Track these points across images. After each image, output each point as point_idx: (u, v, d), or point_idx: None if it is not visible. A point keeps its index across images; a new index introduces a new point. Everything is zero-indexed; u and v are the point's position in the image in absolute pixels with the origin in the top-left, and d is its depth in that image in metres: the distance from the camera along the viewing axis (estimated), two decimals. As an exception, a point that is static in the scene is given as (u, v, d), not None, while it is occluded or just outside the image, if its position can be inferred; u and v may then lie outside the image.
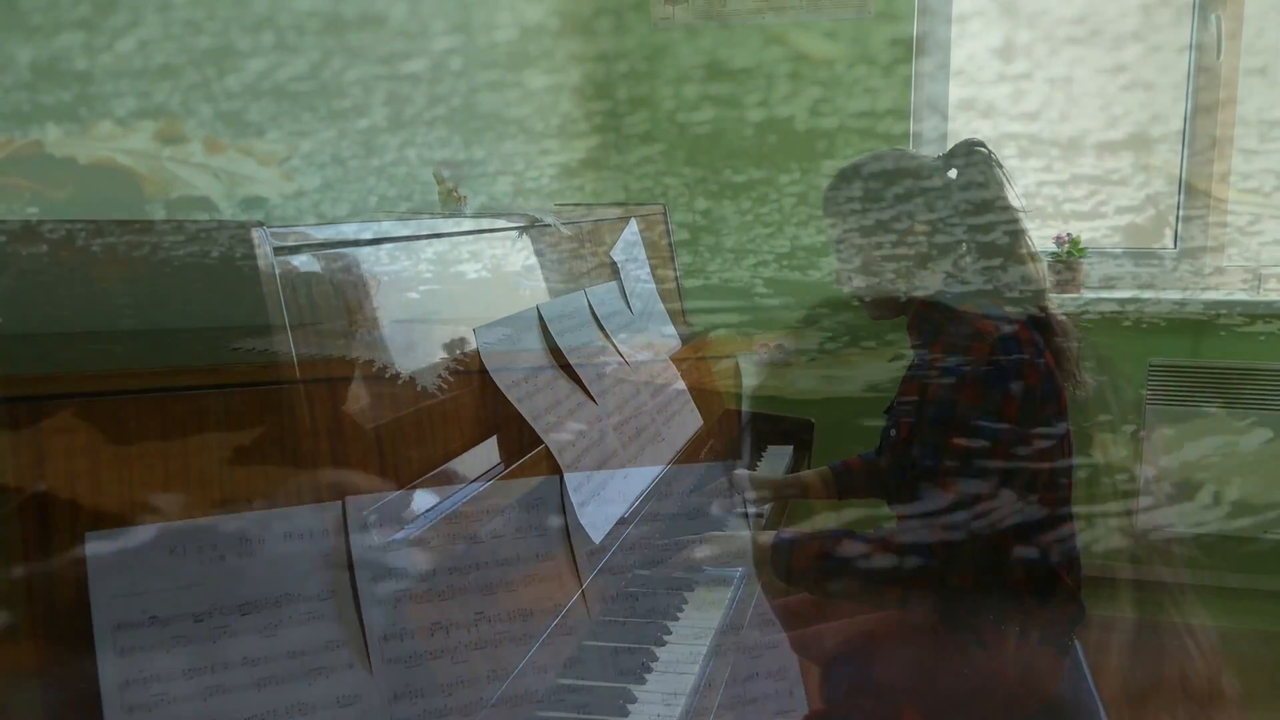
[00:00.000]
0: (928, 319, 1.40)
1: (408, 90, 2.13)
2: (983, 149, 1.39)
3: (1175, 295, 2.43)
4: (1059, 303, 2.40)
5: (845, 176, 1.44)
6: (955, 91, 2.57)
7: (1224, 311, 2.37)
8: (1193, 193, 2.46)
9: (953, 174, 1.40)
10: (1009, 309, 1.35)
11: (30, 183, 1.50)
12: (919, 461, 1.33)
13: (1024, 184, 2.53)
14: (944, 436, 1.29)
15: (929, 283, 1.40)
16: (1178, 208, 2.51)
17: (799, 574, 1.38)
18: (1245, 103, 2.36)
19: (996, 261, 1.37)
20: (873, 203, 1.40)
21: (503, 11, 2.46)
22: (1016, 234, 1.38)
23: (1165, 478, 2.40)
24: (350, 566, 0.98)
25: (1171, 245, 2.52)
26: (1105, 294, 2.49)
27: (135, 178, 1.65)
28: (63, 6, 1.53)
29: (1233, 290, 2.46)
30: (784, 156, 2.57)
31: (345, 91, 1.97)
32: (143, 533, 0.85)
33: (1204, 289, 2.47)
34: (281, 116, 1.92)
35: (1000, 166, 1.39)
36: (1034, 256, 1.39)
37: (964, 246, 1.39)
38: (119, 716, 0.82)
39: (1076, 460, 1.38)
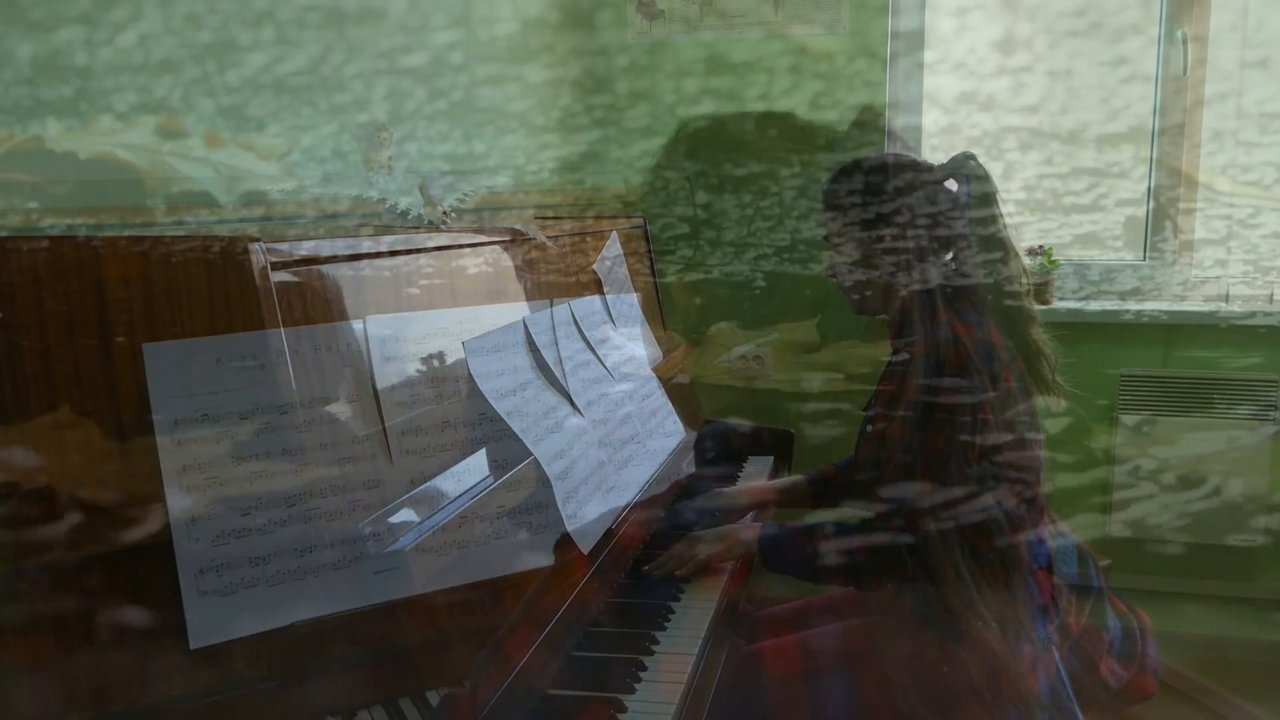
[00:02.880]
0: (909, 319, 1.43)
1: (408, 84, 2.13)
2: (976, 162, 1.44)
3: (1145, 306, 2.44)
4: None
5: (847, 171, 1.48)
6: (956, 85, 2.57)
7: (1194, 321, 2.39)
8: (1163, 199, 2.46)
9: (951, 184, 1.44)
10: (986, 315, 1.39)
11: (31, 177, 1.50)
12: (897, 457, 1.34)
13: (1024, 177, 2.53)
14: (923, 434, 1.31)
15: (916, 284, 1.44)
16: (1147, 217, 2.52)
17: (790, 565, 1.45)
18: (1246, 95, 2.36)
19: (984, 268, 1.42)
20: (872, 200, 1.44)
21: (503, 5, 2.45)
22: (1005, 244, 1.43)
23: (1136, 484, 2.41)
24: (371, 374, 1.15)
25: (1142, 256, 2.54)
26: (1076, 305, 2.50)
27: (136, 172, 1.65)
28: (63, 2, 1.53)
29: (1202, 301, 2.46)
30: (784, 150, 2.57)
31: (346, 86, 1.97)
32: (193, 344, 0.98)
33: (1181, 296, 2.48)
34: (282, 111, 1.92)
35: (992, 184, 1.43)
36: (1021, 272, 1.44)
37: (954, 253, 1.43)
38: (179, 497, 0.95)
39: (1051, 469, 1.41)
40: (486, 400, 1.30)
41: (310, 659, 1.02)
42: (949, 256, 1.43)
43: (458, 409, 1.27)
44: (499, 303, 1.45)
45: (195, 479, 0.97)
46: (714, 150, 2.54)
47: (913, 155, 1.50)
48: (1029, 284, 1.44)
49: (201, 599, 0.96)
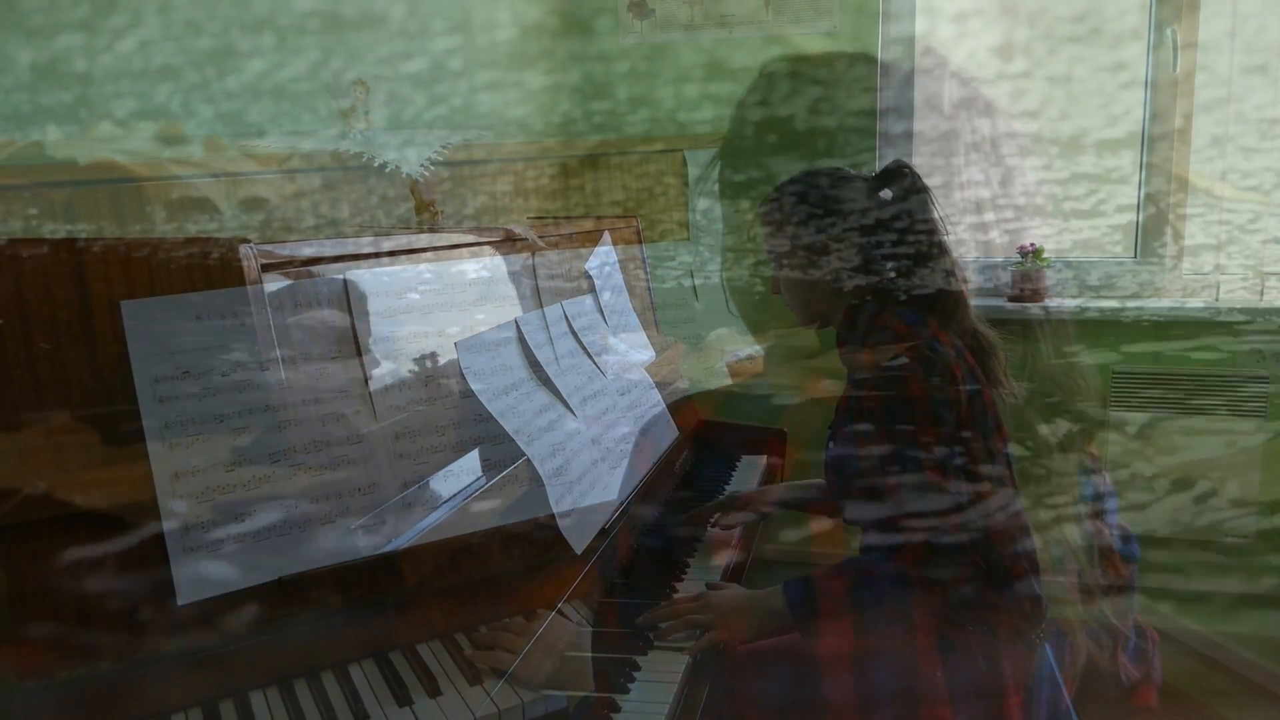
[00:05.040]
0: (853, 326, 1.46)
1: (408, 90, 2.14)
2: (908, 168, 1.46)
3: (1138, 304, 2.45)
4: (1029, 310, 2.43)
5: (781, 191, 1.51)
6: (955, 90, 2.57)
7: (1187, 319, 2.39)
8: (1161, 204, 2.47)
9: (886, 193, 1.46)
10: (928, 316, 1.40)
11: (31, 184, 1.50)
12: (864, 468, 1.34)
13: (1024, 182, 2.53)
14: (881, 437, 1.32)
15: (855, 293, 1.46)
16: (1138, 221, 2.52)
17: (827, 616, 1.36)
18: (1245, 100, 2.36)
19: (919, 274, 1.43)
20: (802, 216, 1.47)
21: (502, 11, 2.46)
22: (939, 249, 1.44)
23: (1128, 481, 2.41)
24: (354, 330, 1.15)
25: (1135, 257, 2.54)
26: (1067, 302, 2.51)
27: (135, 178, 1.65)
28: (63, 7, 1.54)
29: (1192, 299, 2.46)
30: (784, 156, 2.58)
31: (345, 91, 1.97)
32: (172, 301, 0.98)
33: (1179, 302, 2.47)
34: (281, 117, 1.93)
35: (926, 189, 1.45)
36: (955, 269, 1.45)
37: (890, 261, 1.44)
38: (162, 452, 0.96)
39: (1045, 467, 1.40)
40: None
41: (299, 614, 1.03)
42: (888, 263, 1.44)
43: (442, 365, 1.28)
44: (492, 302, 1.45)
45: (178, 436, 0.97)
46: (797, 90, 2.51)
47: (846, 170, 1.51)
48: (964, 282, 1.46)
49: (187, 556, 0.96)
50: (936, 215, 1.45)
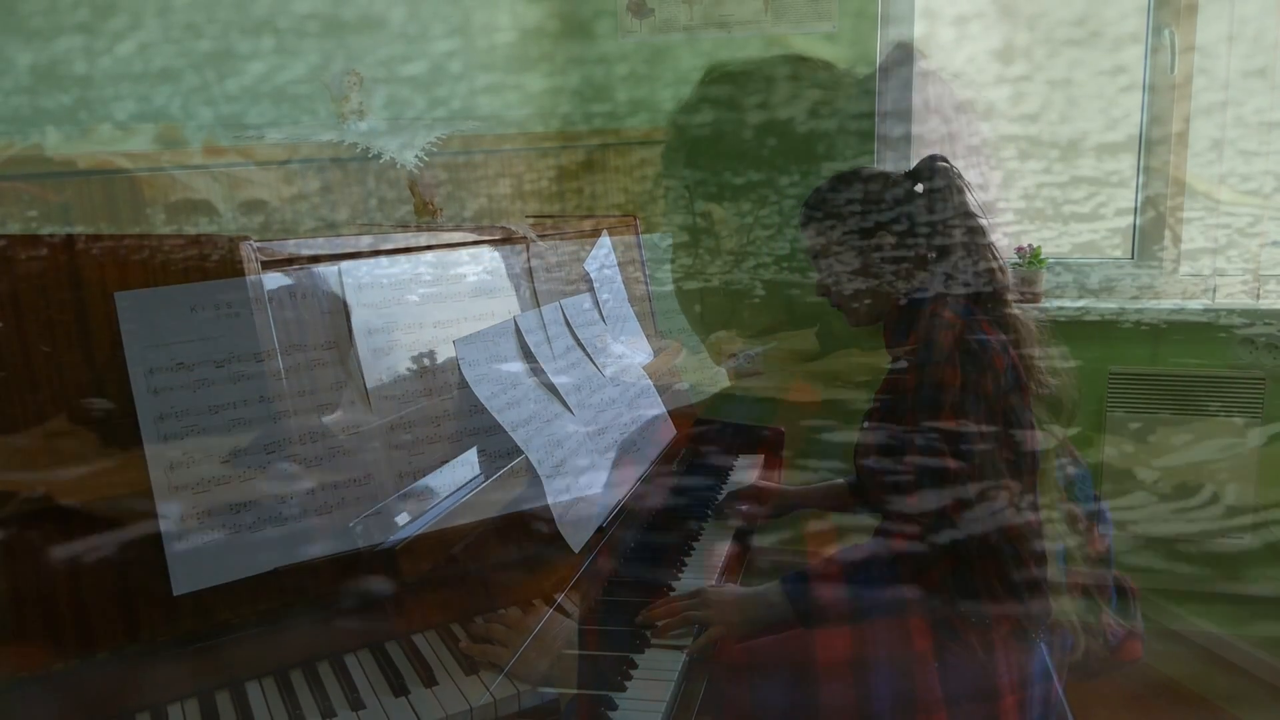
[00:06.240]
0: (899, 320, 1.47)
1: (407, 93, 2.14)
2: (945, 163, 1.47)
3: (1135, 305, 2.45)
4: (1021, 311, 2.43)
5: (820, 193, 1.53)
6: (955, 93, 2.57)
7: (1184, 320, 2.39)
8: (1160, 207, 2.46)
9: (919, 188, 1.47)
10: (975, 307, 1.41)
11: (30, 186, 1.51)
12: (896, 454, 1.34)
13: (1023, 185, 2.53)
14: (921, 422, 1.32)
15: (902, 289, 1.47)
16: (1135, 224, 2.52)
17: (827, 606, 1.36)
18: (1245, 104, 2.36)
19: (963, 266, 1.44)
20: (847, 218, 1.49)
21: (502, 14, 2.46)
22: (980, 240, 1.45)
23: (1126, 481, 2.41)
24: (349, 320, 1.15)
25: (1132, 258, 2.54)
26: (1066, 303, 2.51)
27: (135, 181, 1.66)
28: (62, 10, 1.54)
29: (1190, 301, 2.46)
30: (783, 159, 2.58)
31: (339, 84, 1.98)
32: (166, 292, 0.98)
33: (1178, 307, 2.47)
34: (281, 119, 1.93)
35: (961, 179, 1.47)
36: (997, 259, 1.47)
37: (932, 255, 1.46)
38: (156, 446, 0.96)
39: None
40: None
41: (295, 604, 1.04)
42: (932, 256, 1.46)
43: (439, 360, 1.29)
44: (490, 300, 1.46)
45: (173, 427, 0.97)
46: (742, 96, 2.53)
47: (881, 169, 1.53)
48: (1009, 278, 1.47)
49: (183, 546, 0.97)
50: (974, 206, 1.46)
